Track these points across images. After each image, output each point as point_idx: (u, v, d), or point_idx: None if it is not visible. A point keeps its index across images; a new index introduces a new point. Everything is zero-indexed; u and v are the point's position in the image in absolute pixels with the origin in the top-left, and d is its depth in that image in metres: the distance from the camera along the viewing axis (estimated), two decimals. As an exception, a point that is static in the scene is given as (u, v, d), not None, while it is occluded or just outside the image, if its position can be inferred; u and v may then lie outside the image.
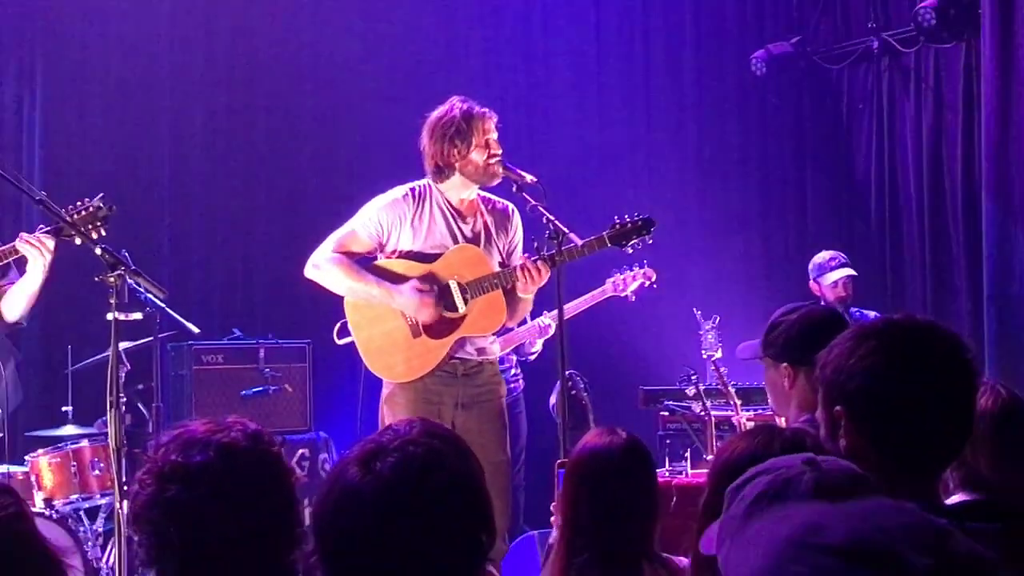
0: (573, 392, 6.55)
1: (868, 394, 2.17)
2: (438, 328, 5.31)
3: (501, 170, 5.34)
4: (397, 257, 5.37)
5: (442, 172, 5.37)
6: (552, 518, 5.15)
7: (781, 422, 5.94)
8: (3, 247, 4.72)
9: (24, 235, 4.72)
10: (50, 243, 4.69)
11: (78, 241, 4.60)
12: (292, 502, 2.35)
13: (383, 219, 5.36)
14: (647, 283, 6.67)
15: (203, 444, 2.31)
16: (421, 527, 1.86)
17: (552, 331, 5.98)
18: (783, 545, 1.26)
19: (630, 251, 5.55)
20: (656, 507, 3.30)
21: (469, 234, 5.40)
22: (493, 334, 5.46)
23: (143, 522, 2.31)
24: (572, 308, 6.48)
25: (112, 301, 4.34)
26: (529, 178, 5.31)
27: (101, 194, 4.68)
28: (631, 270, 6.64)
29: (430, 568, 1.87)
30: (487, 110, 5.41)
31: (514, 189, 5.35)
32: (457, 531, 1.89)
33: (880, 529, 1.24)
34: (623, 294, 6.73)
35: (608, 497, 3.19)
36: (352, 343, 5.47)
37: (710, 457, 6.08)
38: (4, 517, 1.55)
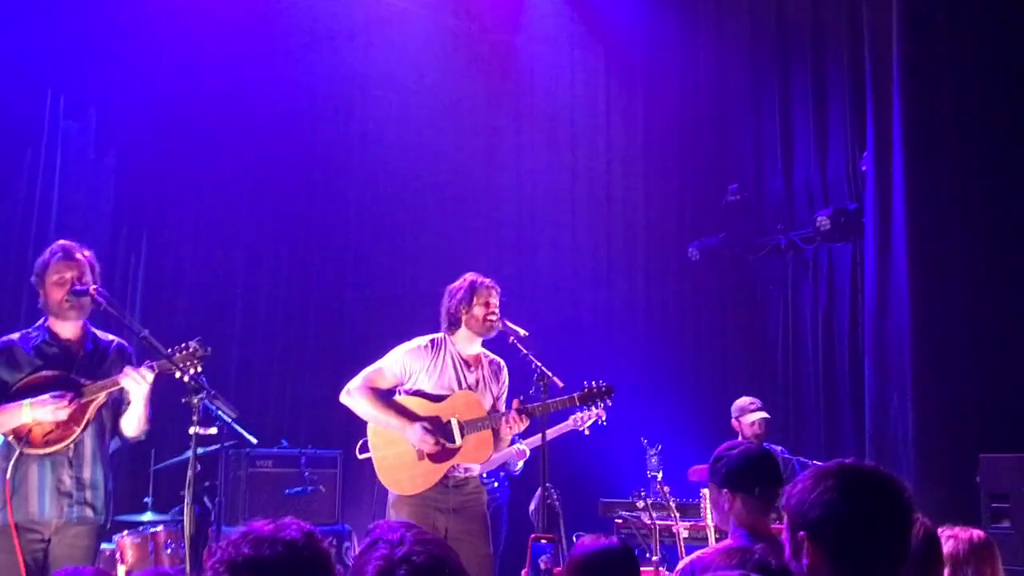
0: (548, 502, 6.40)
1: (827, 522, 2.12)
2: (438, 455, 5.21)
3: (499, 325, 5.30)
4: (412, 394, 5.27)
5: (452, 324, 5.36)
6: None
7: (711, 532, 5.83)
8: (108, 380, 4.34)
9: (128, 369, 4.35)
10: (149, 376, 4.33)
11: (177, 375, 4.30)
12: None
13: (407, 363, 5.29)
14: (599, 421, 6.57)
15: (271, 541, 2.18)
16: None
17: (528, 455, 5.89)
18: None
19: (592, 410, 5.51)
20: None
21: (472, 382, 5.33)
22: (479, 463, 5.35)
23: None
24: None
25: (194, 418, 4.21)
26: (523, 332, 5.28)
27: (199, 337, 4.45)
28: (588, 410, 6.54)
29: None
30: (490, 281, 5.41)
31: (511, 340, 5.27)
32: None
33: None
34: (581, 428, 6.67)
35: None
36: (369, 459, 5.33)
37: (655, 557, 5.91)
38: None
